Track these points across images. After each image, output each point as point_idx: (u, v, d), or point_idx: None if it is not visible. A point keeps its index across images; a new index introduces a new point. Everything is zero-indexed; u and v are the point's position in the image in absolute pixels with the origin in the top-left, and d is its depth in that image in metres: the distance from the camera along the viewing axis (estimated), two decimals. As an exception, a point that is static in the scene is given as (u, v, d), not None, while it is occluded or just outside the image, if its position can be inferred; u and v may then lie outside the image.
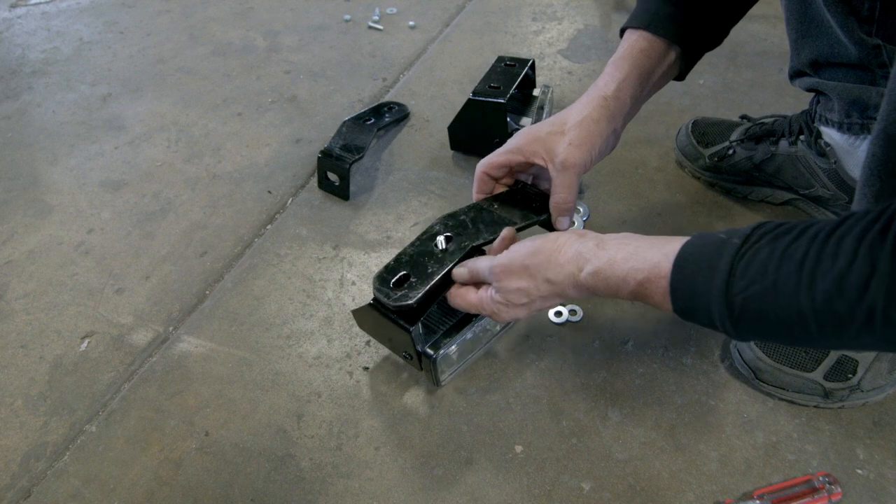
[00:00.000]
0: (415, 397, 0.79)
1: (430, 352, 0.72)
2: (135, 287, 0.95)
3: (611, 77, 0.75)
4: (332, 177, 1.05)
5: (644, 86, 0.76)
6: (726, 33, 0.80)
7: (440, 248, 0.72)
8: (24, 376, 0.85)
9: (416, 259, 0.72)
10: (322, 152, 1.05)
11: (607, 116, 0.74)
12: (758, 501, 0.66)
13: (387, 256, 0.96)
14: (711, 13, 0.77)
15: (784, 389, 0.74)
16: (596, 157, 0.74)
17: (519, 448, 0.73)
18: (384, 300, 0.69)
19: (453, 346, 0.74)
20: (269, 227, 1.03)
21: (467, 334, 0.75)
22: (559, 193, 0.73)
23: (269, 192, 1.09)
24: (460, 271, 0.70)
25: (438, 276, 0.69)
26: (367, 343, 0.85)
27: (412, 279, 0.69)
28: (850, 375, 0.72)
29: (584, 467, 0.71)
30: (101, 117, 1.30)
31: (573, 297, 0.62)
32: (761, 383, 0.75)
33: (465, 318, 0.74)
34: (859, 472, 0.69)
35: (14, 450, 0.77)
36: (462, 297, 0.69)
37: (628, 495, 0.69)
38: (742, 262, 0.47)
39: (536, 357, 0.81)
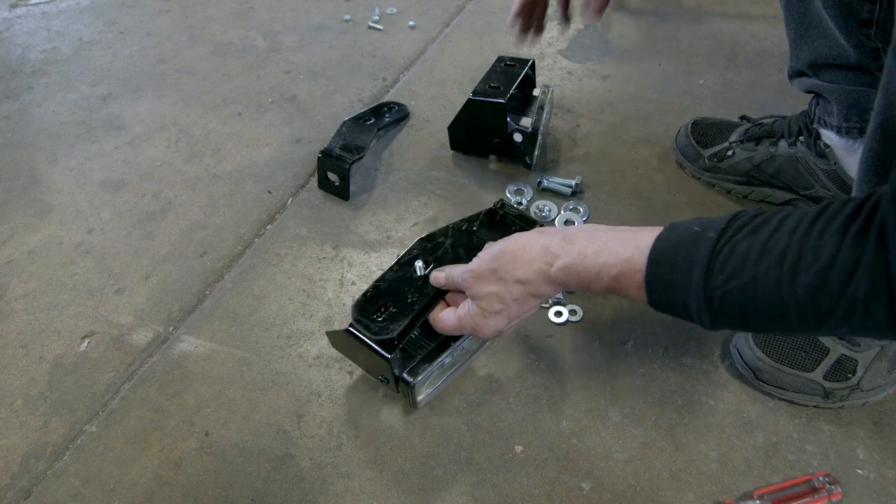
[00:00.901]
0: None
1: (409, 378, 0.70)
2: (135, 287, 0.95)
3: None
4: (332, 177, 1.05)
5: None
6: None
7: (419, 273, 0.71)
8: (24, 376, 0.85)
9: (394, 286, 0.71)
10: (322, 152, 1.05)
11: None
12: (758, 501, 0.66)
13: (387, 256, 0.96)
14: None
15: (784, 389, 0.74)
16: None
17: (519, 448, 0.73)
18: (364, 332, 0.68)
19: (431, 372, 0.72)
20: (269, 227, 1.03)
21: (446, 359, 0.72)
22: None
23: (269, 192, 1.09)
24: (438, 275, 0.70)
25: (419, 307, 0.68)
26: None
27: (392, 308, 0.69)
28: (849, 375, 0.72)
29: (584, 467, 0.71)
30: (101, 117, 1.30)
31: (547, 294, 0.61)
32: (761, 383, 0.75)
33: (444, 342, 0.72)
34: (859, 472, 0.69)
35: (14, 450, 0.77)
36: (443, 322, 0.68)
37: (628, 495, 0.69)
38: (720, 257, 0.48)
39: (536, 357, 0.81)
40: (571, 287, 0.59)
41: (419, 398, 0.74)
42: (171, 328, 0.89)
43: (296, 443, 0.75)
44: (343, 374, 0.82)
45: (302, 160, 1.15)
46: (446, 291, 0.70)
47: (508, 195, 1.03)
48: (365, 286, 0.91)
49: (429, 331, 0.71)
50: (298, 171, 1.13)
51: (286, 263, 0.96)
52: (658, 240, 0.52)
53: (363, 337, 0.68)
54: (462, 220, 0.77)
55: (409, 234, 0.99)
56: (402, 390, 0.72)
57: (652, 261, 0.52)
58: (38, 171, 1.18)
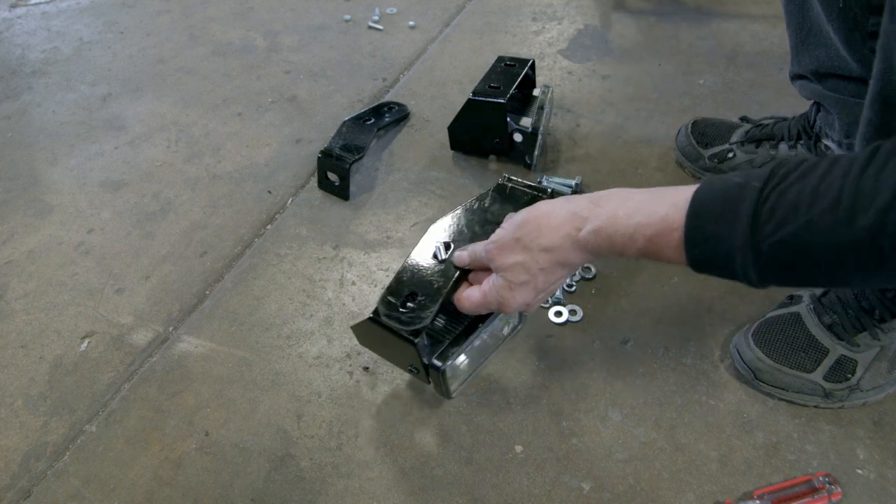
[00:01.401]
0: (415, 397, 0.79)
1: (438, 363, 0.67)
2: (135, 287, 0.95)
3: None
4: (332, 177, 1.05)
5: None
6: None
7: (440, 257, 0.70)
8: (24, 376, 0.85)
9: (417, 274, 0.69)
10: (322, 152, 1.05)
11: None
12: (758, 501, 0.66)
13: (387, 256, 0.96)
14: None
15: (784, 390, 0.74)
16: None
17: (519, 448, 0.73)
18: (395, 325, 0.66)
19: (461, 356, 0.69)
20: (269, 227, 1.03)
21: (475, 341, 0.69)
22: None
23: (269, 192, 1.09)
24: (461, 255, 0.67)
25: (446, 291, 0.66)
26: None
27: (419, 297, 0.66)
28: (849, 375, 0.72)
29: (584, 467, 0.71)
30: (101, 117, 1.30)
31: (576, 263, 0.58)
32: (761, 383, 0.75)
33: (472, 325, 0.70)
34: (859, 472, 0.69)
35: (14, 450, 0.77)
36: (468, 299, 0.65)
37: (628, 495, 0.69)
38: (767, 206, 0.45)
39: (536, 357, 0.81)
40: (602, 252, 0.55)
41: (452, 387, 0.70)
42: (171, 328, 0.89)
43: (296, 443, 0.75)
44: (343, 374, 0.82)
45: (302, 160, 1.15)
46: (469, 271, 0.68)
47: None
48: (365, 286, 0.92)
49: (455, 315, 0.69)
50: (298, 171, 1.13)
51: (286, 263, 0.96)
52: (697, 193, 0.49)
53: (387, 324, 0.66)
54: (472, 200, 0.75)
55: (409, 234, 0.99)
56: (434, 378, 0.69)
57: (691, 216, 0.48)
58: (38, 171, 1.18)
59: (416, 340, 0.65)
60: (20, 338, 0.90)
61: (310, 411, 0.78)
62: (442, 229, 0.73)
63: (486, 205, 0.74)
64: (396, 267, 0.94)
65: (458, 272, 0.67)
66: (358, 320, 0.86)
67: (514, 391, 0.78)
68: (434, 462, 0.73)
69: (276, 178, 1.11)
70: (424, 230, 1.00)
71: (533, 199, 0.74)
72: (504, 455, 0.73)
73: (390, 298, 0.68)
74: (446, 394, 0.71)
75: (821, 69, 0.79)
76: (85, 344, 0.88)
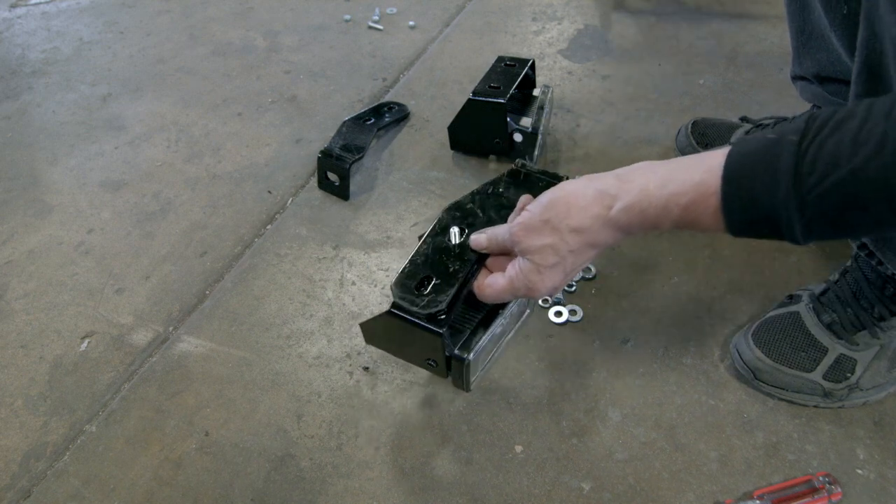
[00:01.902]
0: (414, 397, 0.79)
1: (463, 354, 0.64)
2: (135, 287, 0.95)
3: None
4: (332, 177, 1.05)
5: None
6: None
7: (455, 241, 0.67)
8: (24, 376, 0.85)
9: (432, 258, 0.66)
10: (322, 152, 1.05)
11: None
12: (758, 501, 0.66)
13: (387, 256, 0.96)
14: None
15: (784, 389, 0.74)
16: None
17: (519, 448, 0.73)
18: (411, 308, 0.62)
19: (484, 345, 0.66)
20: (269, 227, 1.03)
21: (496, 329, 0.66)
22: None
23: (269, 192, 1.09)
24: (478, 238, 0.64)
25: (463, 275, 0.64)
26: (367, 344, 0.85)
27: (435, 280, 0.64)
28: (848, 374, 0.72)
29: (584, 467, 0.71)
30: (101, 117, 1.30)
31: (606, 242, 0.56)
32: (761, 383, 0.75)
33: (492, 311, 0.67)
34: (859, 472, 0.69)
35: (14, 450, 0.77)
36: (492, 287, 0.62)
37: (628, 495, 0.69)
38: (807, 158, 0.43)
39: (536, 357, 0.81)
40: (635, 229, 0.54)
41: (472, 378, 0.68)
42: (171, 328, 0.89)
43: (296, 443, 0.75)
44: (343, 374, 0.82)
45: (302, 160, 1.15)
46: (487, 257, 0.65)
47: None
48: (365, 286, 0.92)
49: (472, 302, 0.66)
50: (298, 171, 1.13)
51: (286, 263, 0.96)
52: (730, 156, 0.47)
53: (410, 315, 0.63)
54: (486, 184, 0.73)
55: (409, 234, 0.99)
56: (455, 371, 0.66)
57: (727, 178, 0.47)
58: (38, 171, 1.18)
59: (442, 331, 0.61)
60: (20, 338, 0.90)
61: (310, 411, 0.78)
62: (455, 213, 0.71)
63: (501, 190, 0.72)
64: (396, 267, 0.94)
65: (475, 257, 0.65)
66: (361, 319, 0.87)
67: (513, 391, 0.78)
68: (434, 462, 0.73)
69: (276, 178, 1.11)
70: (425, 230, 1.00)
71: (548, 185, 0.71)
72: (504, 455, 0.73)
73: (405, 282, 0.65)
74: (466, 386, 0.68)
75: (822, 73, 0.79)
76: (85, 344, 0.88)
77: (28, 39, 1.57)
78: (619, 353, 0.81)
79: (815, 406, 0.74)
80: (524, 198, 0.66)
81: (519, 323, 0.74)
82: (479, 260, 0.65)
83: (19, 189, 1.14)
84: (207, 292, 0.94)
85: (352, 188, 1.06)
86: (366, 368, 0.82)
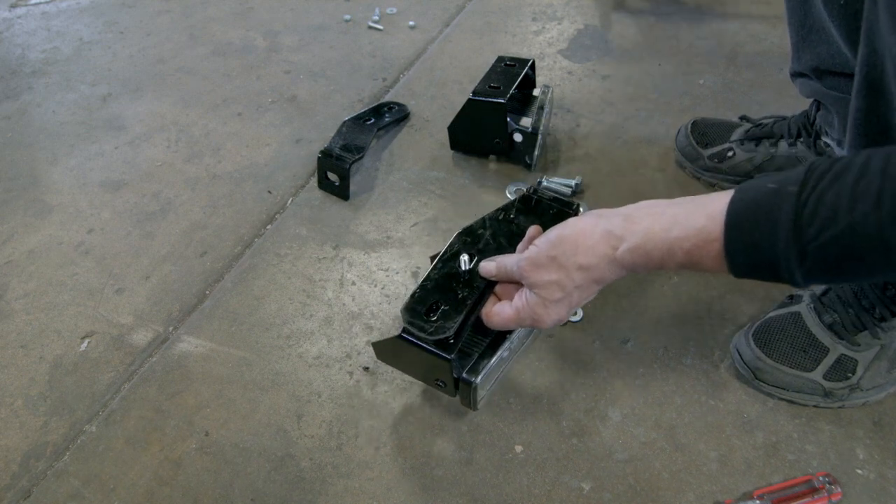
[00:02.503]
0: (414, 397, 0.79)
1: (471, 378, 0.66)
2: (135, 287, 0.95)
3: None
4: (332, 177, 1.05)
5: None
6: None
7: (465, 268, 0.69)
8: (24, 376, 0.85)
9: (442, 283, 0.68)
10: (322, 152, 1.05)
11: None
12: (758, 501, 0.66)
13: (387, 256, 0.96)
14: None
15: (784, 389, 0.74)
16: None
17: (519, 448, 0.73)
18: (420, 334, 0.65)
19: (491, 368, 0.68)
20: (269, 227, 1.03)
21: (503, 353, 0.69)
22: None
23: (269, 192, 1.09)
24: (488, 265, 0.66)
25: (471, 302, 0.66)
26: (367, 343, 0.85)
27: (444, 307, 0.66)
28: (849, 375, 0.72)
29: (584, 467, 0.71)
30: (101, 117, 1.30)
31: (610, 279, 0.58)
32: (761, 383, 0.75)
33: (499, 335, 0.69)
34: (859, 472, 0.69)
35: (14, 450, 0.77)
36: (499, 316, 0.64)
37: (628, 495, 0.69)
38: (807, 209, 0.45)
39: (536, 357, 0.81)
40: (640, 268, 0.56)
41: (480, 398, 0.70)
42: (171, 328, 0.89)
43: (296, 443, 0.75)
44: (343, 374, 0.82)
45: (302, 160, 1.15)
46: (495, 284, 0.67)
47: (509, 195, 1.03)
48: (365, 286, 0.92)
49: (480, 326, 0.68)
50: (298, 171, 1.13)
51: (286, 263, 0.96)
52: (732, 203, 0.49)
53: (419, 341, 0.65)
54: (497, 210, 0.75)
55: (409, 234, 0.99)
56: (463, 392, 0.69)
57: (729, 226, 0.49)
58: (38, 171, 1.18)
59: (451, 357, 0.64)
60: (20, 338, 0.90)
61: (310, 411, 0.78)
62: (466, 238, 0.72)
63: (512, 216, 0.74)
64: (396, 267, 0.94)
65: (484, 284, 0.67)
66: (362, 318, 0.87)
67: (513, 391, 0.78)
68: (434, 462, 0.73)
69: (276, 178, 1.11)
70: (424, 230, 1.00)
71: (559, 213, 0.73)
72: (504, 455, 0.73)
73: (415, 306, 0.67)
74: (473, 406, 0.70)
75: (821, 66, 0.79)
76: (85, 344, 0.88)
77: (28, 39, 1.57)
78: (619, 353, 0.81)
79: (815, 406, 0.74)
80: (533, 229, 0.68)
81: (526, 343, 0.77)
82: (487, 286, 0.67)
83: (19, 189, 1.14)
84: (207, 292, 0.94)
85: (352, 188, 1.06)
86: (366, 368, 0.82)
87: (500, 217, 0.74)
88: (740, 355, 0.77)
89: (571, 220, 0.60)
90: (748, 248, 0.48)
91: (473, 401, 0.69)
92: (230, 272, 0.96)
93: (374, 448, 0.74)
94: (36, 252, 1.02)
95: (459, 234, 0.73)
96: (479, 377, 0.66)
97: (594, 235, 0.57)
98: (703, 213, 0.51)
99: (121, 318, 0.91)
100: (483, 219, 0.74)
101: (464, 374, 0.66)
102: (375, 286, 0.92)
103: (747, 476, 0.69)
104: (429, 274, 0.70)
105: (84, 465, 0.75)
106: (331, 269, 0.95)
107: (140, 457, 0.75)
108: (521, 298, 0.63)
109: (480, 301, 0.67)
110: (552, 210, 0.74)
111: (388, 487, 0.71)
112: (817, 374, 0.72)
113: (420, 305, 0.67)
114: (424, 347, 0.65)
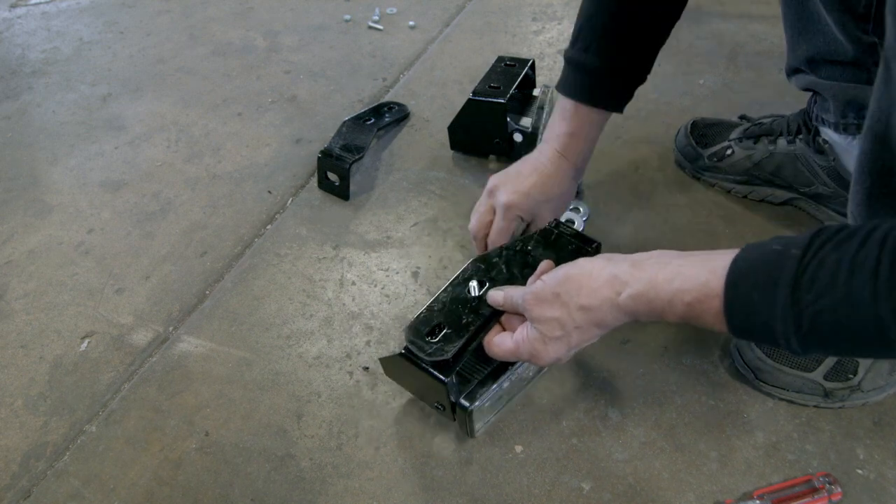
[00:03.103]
0: (415, 398, 0.78)
1: (466, 403, 0.67)
2: (135, 287, 0.95)
3: (572, 139, 0.81)
4: (332, 177, 1.05)
5: (596, 136, 0.84)
6: (649, 69, 0.86)
7: (473, 294, 0.69)
8: (24, 376, 0.85)
9: (449, 307, 0.69)
10: (322, 152, 1.05)
11: (574, 175, 0.83)
12: (758, 501, 0.66)
13: (387, 256, 0.96)
14: (641, 67, 0.83)
15: (784, 389, 0.74)
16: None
17: (519, 448, 0.73)
18: (418, 353, 0.66)
19: (489, 397, 0.69)
20: (269, 227, 1.03)
21: (504, 384, 0.70)
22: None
23: (269, 192, 1.09)
24: (496, 295, 0.67)
25: (474, 328, 0.66)
26: (367, 343, 0.85)
27: (447, 330, 0.67)
28: (850, 376, 0.72)
29: (584, 467, 0.71)
30: (101, 117, 1.30)
31: (611, 324, 0.58)
32: (761, 383, 0.75)
33: (501, 366, 0.70)
34: (859, 472, 0.69)
35: (14, 450, 0.77)
36: (499, 346, 0.65)
37: (628, 495, 0.69)
38: (807, 275, 0.44)
39: (536, 357, 0.81)
40: (641, 316, 0.56)
41: (476, 426, 0.71)
42: (171, 328, 0.89)
43: (296, 443, 0.75)
44: (343, 374, 0.82)
45: (302, 160, 1.15)
46: (502, 313, 0.68)
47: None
48: (365, 286, 0.92)
49: (484, 355, 0.68)
50: (298, 171, 1.13)
51: (286, 263, 0.96)
52: (735, 261, 0.49)
53: (418, 361, 0.66)
54: (516, 240, 0.75)
55: (409, 234, 0.99)
56: (459, 417, 0.70)
57: (730, 284, 0.48)
58: (38, 171, 1.18)
59: (446, 380, 0.64)
60: (20, 338, 0.90)
61: (310, 411, 0.78)
62: (480, 265, 0.73)
63: (529, 248, 0.74)
64: (396, 267, 0.94)
65: (489, 312, 0.67)
66: (362, 319, 0.87)
67: (514, 391, 0.78)
68: (434, 462, 0.73)
69: (276, 178, 1.11)
70: (424, 230, 1.01)
71: (577, 249, 0.73)
72: (504, 455, 0.73)
73: (419, 327, 0.68)
74: (470, 433, 0.71)
75: (816, 56, 0.80)
76: (85, 344, 0.88)
77: (28, 39, 1.57)
78: (619, 353, 0.81)
79: (815, 406, 0.74)
80: (545, 264, 0.68)
81: (534, 381, 0.77)
82: (493, 315, 0.68)
83: (19, 189, 1.14)
84: (207, 292, 0.94)
85: (352, 188, 1.06)
86: (366, 368, 0.82)
87: (518, 248, 0.74)
88: (741, 355, 0.77)
89: (581, 261, 0.60)
90: (746, 309, 0.48)
91: (470, 428, 0.70)
92: (230, 272, 0.96)
93: (374, 448, 0.74)
94: (36, 252, 1.02)
95: (474, 260, 0.74)
96: (475, 403, 0.67)
97: (600, 278, 0.57)
98: (707, 268, 0.51)
99: (121, 318, 0.91)
100: (501, 248, 0.75)
101: (461, 400, 0.67)
102: (375, 286, 0.92)
103: (747, 476, 0.69)
104: (437, 296, 0.71)
105: (84, 465, 0.75)
106: (331, 269, 0.95)
107: (140, 457, 0.75)
108: (522, 332, 0.63)
109: (484, 328, 0.67)
110: (571, 246, 0.74)
111: (388, 487, 0.71)
112: (818, 375, 0.72)
113: (423, 326, 0.68)
114: (422, 367, 0.65)
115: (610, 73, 0.79)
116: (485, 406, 0.70)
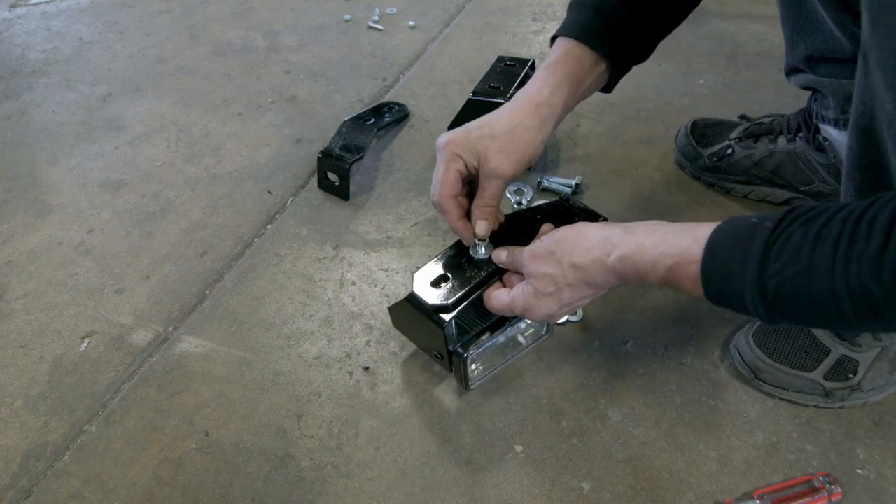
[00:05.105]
0: (414, 397, 0.79)
1: (461, 351, 0.71)
2: (135, 287, 0.95)
3: (544, 83, 0.71)
4: (332, 177, 1.05)
5: (575, 94, 0.74)
6: (653, 49, 0.80)
7: (479, 253, 0.72)
8: (24, 376, 0.85)
9: (455, 262, 0.73)
10: (322, 152, 1.05)
11: (538, 124, 0.70)
12: (758, 501, 0.66)
13: (387, 256, 0.96)
14: (640, 30, 0.76)
15: (784, 389, 0.74)
16: (525, 164, 0.71)
17: (519, 448, 0.73)
18: (422, 298, 0.70)
19: (484, 347, 0.73)
20: (269, 227, 1.03)
21: (499, 337, 0.74)
22: (484, 198, 0.70)
23: (269, 192, 1.09)
24: (500, 253, 0.70)
25: (476, 281, 0.70)
26: (367, 343, 0.85)
27: (452, 281, 0.71)
28: (850, 375, 0.72)
29: (584, 467, 0.71)
30: (101, 117, 1.30)
31: (602, 285, 0.61)
32: (761, 383, 0.75)
33: (499, 322, 0.74)
34: (859, 472, 0.69)
35: (14, 450, 0.77)
36: (497, 299, 0.68)
37: (628, 495, 0.69)
38: (776, 246, 0.47)
39: (536, 357, 0.81)
40: (628, 278, 0.58)
41: (471, 374, 0.75)
42: (171, 328, 0.89)
43: (296, 443, 0.75)
44: (343, 374, 0.82)
45: (302, 160, 1.15)
46: (504, 271, 0.71)
47: (508, 195, 1.02)
48: (365, 286, 0.92)
49: (484, 311, 0.72)
50: (298, 171, 1.13)
51: (286, 263, 0.96)
52: (716, 231, 0.52)
53: (421, 304, 0.70)
54: (527, 209, 0.78)
55: (409, 234, 0.99)
56: (455, 365, 0.73)
57: (708, 251, 0.51)
58: (38, 171, 1.18)
59: (444, 324, 0.68)
60: (20, 338, 0.90)
61: (310, 411, 0.78)
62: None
63: (538, 216, 0.76)
64: (396, 267, 0.94)
65: (492, 269, 0.71)
66: (362, 319, 0.87)
67: (514, 391, 0.78)
68: (434, 462, 0.73)
69: (276, 178, 1.11)
70: (425, 230, 1.00)
71: (586, 220, 0.73)
72: (504, 455, 0.73)
73: (425, 275, 0.72)
74: (465, 383, 0.75)
75: (815, 55, 0.81)
76: (85, 344, 0.88)
77: (28, 39, 1.57)
78: (619, 353, 0.81)
79: (815, 406, 0.74)
80: (545, 226, 0.71)
81: (534, 343, 0.80)
82: (496, 271, 0.71)
83: (19, 189, 1.14)
84: (207, 292, 0.94)
85: (352, 188, 1.06)
86: (366, 368, 0.82)
87: (527, 216, 0.77)
88: (740, 355, 0.77)
89: (578, 224, 0.63)
90: (721, 276, 0.51)
91: (465, 377, 0.74)
92: (230, 272, 0.96)
93: (374, 448, 0.74)
94: (36, 252, 1.02)
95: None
96: (471, 352, 0.72)
97: (592, 239, 0.60)
98: (691, 236, 0.53)
99: (121, 318, 0.91)
100: (510, 214, 0.77)
101: (458, 348, 0.71)
102: (375, 286, 0.92)
103: (747, 476, 0.69)
104: (446, 250, 0.74)
105: (84, 465, 0.75)
106: (331, 269, 0.95)
107: (140, 457, 0.75)
108: (518, 287, 0.66)
109: (486, 283, 0.70)
110: (577, 218, 0.75)
111: (388, 487, 0.71)
112: (818, 375, 0.72)
113: (430, 275, 0.72)
114: (424, 311, 0.70)
115: (623, 30, 0.74)
116: (480, 357, 0.74)
